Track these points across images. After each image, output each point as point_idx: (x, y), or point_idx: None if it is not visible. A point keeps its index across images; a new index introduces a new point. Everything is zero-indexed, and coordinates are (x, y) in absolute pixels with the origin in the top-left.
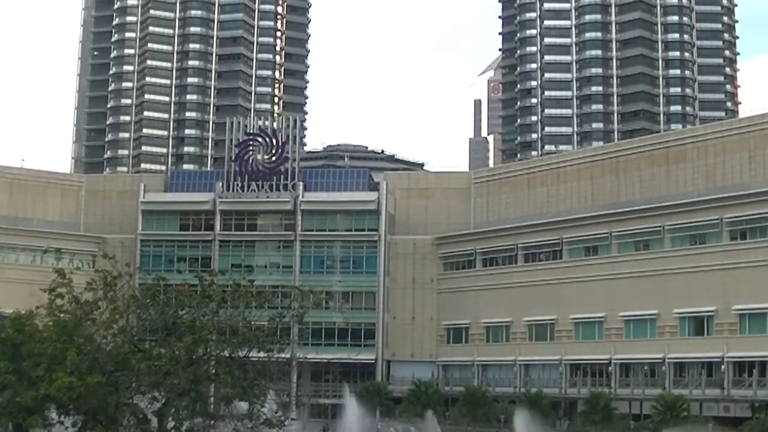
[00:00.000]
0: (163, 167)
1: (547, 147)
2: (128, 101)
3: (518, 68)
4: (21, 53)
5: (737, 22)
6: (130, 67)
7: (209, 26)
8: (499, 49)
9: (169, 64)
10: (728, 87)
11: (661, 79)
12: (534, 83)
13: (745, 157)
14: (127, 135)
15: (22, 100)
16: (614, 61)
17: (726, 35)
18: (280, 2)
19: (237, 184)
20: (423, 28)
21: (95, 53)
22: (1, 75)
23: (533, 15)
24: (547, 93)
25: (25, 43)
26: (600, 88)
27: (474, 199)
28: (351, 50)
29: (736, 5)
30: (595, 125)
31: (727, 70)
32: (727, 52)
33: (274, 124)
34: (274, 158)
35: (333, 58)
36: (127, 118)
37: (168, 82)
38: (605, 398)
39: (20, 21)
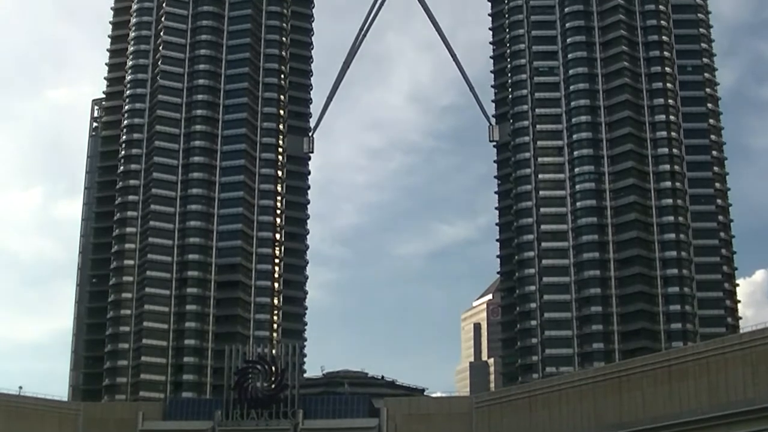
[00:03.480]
0: (162, 395)
1: (548, 369)
2: (126, 328)
3: (517, 291)
4: (19, 274)
5: (734, 237)
6: (129, 294)
7: (207, 253)
8: (498, 272)
9: (167, 292)
10: (728, 302)
11: (660, 297)
12: (533, 305)
13: (747, 372)
14: (125, 362)
15: (21, 327)
16: (612, 281)
17: (723, 251)
18: (278, 230)
19: (236, 412)
20: (419, 254)
21: (93, 280)
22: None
23: (531, 237)
24: (546, 315)
25: (25, 265)
26: (599, 308)
27: (475, 423)
28: (348, 277)
29: (732, 221)
30: (595, 345)
31: (726, 285)
32: (725, 268)
33: (273, 352)
34: (273, 386)
35: (332, 284)
36: (126, 345)
37: (166, 309)
38: None
39: (18, 245)
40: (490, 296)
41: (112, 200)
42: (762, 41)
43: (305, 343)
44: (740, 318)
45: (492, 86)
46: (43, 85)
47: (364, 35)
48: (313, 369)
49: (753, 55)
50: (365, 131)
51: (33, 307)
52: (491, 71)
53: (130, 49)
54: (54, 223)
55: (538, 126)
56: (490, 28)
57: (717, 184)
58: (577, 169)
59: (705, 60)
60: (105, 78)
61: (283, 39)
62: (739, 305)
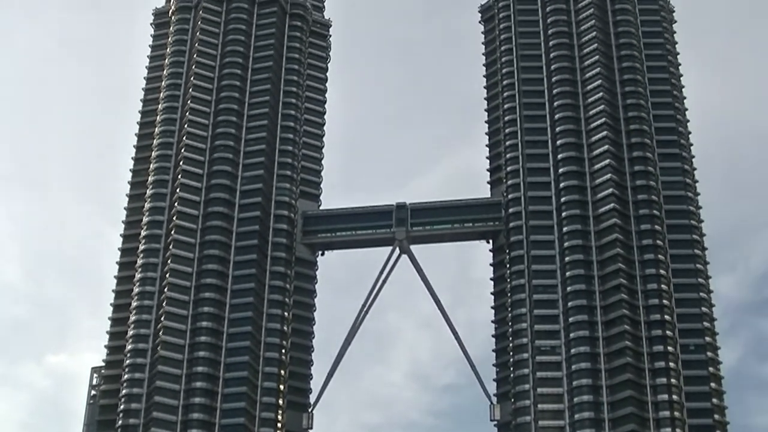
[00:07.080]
0: None
1: None
2: None
3: None
4: None
5: None
6: None
7: None
8: None
9: None
10: None
11: None
12: None
13: None
14: None
15: None
16: None
17: None
18: None
19: None
20: None
21: None
22: None
23: None
24: None
25: None
26: None
27: None
28: None
29: None
30: None
31: None
32: None
33: None
34: None
35: None
36: None
37: None
38: None
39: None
40: None
41: None
42: (763, 319)
43: None
44: None
45: (494, 365)
46: (44, 351)
47: (366, 312)
48: None
49: (755, 333)
50: (365, 408)
51: None
52: (493, 350)
53: (132, 318)
54: None
55: (539, 405)
56: (492, 307)
57: None
58: None
59: (707, 339)
60: (105, 346)
61: (285, 314)
62: None
